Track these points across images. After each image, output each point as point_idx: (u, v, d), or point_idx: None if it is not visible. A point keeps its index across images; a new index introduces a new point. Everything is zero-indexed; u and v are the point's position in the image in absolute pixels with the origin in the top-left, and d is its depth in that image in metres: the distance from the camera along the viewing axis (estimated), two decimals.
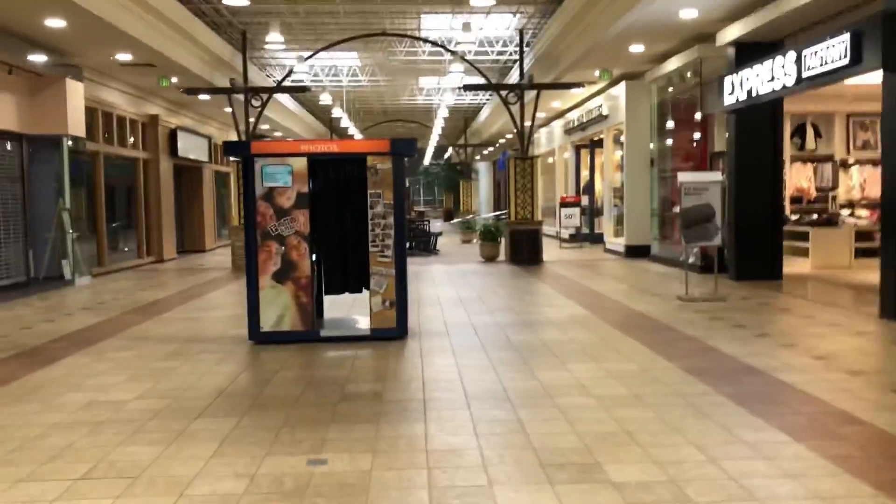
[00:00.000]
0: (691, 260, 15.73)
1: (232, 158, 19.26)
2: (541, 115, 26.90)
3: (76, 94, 14.70)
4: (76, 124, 14.72)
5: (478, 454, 4.42)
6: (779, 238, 13.36)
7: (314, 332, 8.01)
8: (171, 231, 20.54)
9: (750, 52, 12.55)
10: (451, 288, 12.89)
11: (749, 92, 12.01)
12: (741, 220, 13.29)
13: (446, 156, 52.14)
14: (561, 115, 26.11)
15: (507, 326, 8.86)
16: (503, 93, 17.84)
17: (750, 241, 13.26)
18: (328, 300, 9.12)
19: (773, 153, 13.28)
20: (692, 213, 10.92)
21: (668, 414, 5.19)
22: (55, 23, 12.10)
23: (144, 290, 13.38)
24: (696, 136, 16.26)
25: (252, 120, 17.85)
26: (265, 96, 17.69)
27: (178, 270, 17.30)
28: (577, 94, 21.79)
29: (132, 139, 18.70)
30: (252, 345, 7.99)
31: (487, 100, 29.96)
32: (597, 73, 18.17)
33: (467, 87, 18.15)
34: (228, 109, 18.05)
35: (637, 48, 15.50)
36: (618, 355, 7.18)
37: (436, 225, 31.97)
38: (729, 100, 12.81)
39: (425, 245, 21.45)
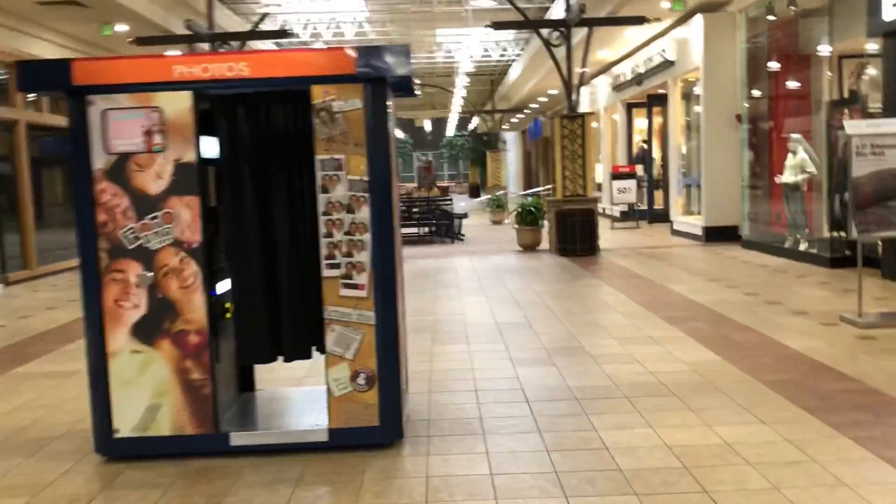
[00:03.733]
0: (803, 247, 11.60)
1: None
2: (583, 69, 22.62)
3: None
4: None
5: None
6: None
7: (218, 438, 4.07)
8: None
9: None
10: (481, 300, 8.90)
11: None
12: None
13: (471, 126, 47.85)
14: (606, 69, 21.81)
15: (592, 402, 4.85)
16: (545, 33, 13.69)
17: None
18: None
19: None
20: (870, 184, 6.78)
21: None
22: None
23: (55, 309, 9.57)
24: (801, 82, 12.15)
25: None
26: (237, 44, 13.71)
27: None
28: (632, 37, 17.53)
29: None
30: (101, 463, 4.10)
31: (518, 55, 25.65)
32: (666, 3, 13.93)
33: (498, 26, 13.98)
34: None
35: None
36: None
37: (460, 205, 28.12)
38: (892, 15, 8.60)
39: (447, 230, 17.45)
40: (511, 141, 47.47)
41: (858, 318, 6.78)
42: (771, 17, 12.52)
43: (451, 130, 47.94)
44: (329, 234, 3.96)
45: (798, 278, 9.69)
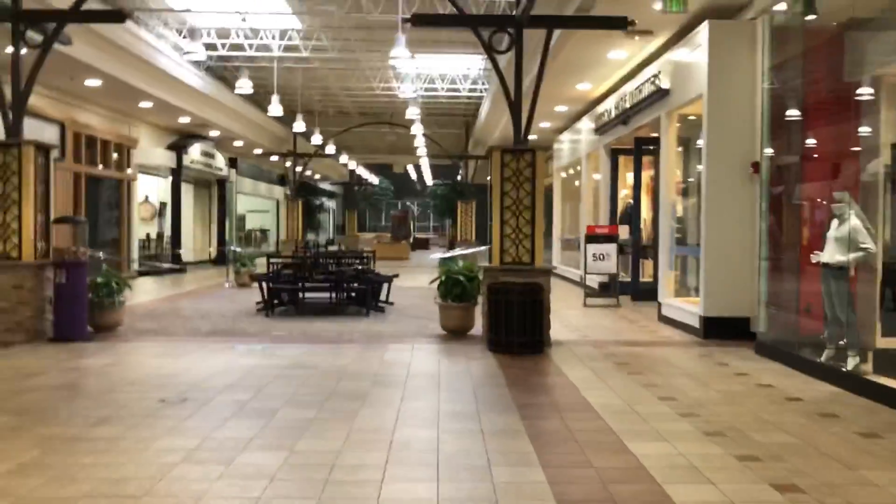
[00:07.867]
0: (851, 364, 7.43)
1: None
2: (560, 108, 18.74)
3: None
4: None
5: None
6: None
7: None
8: None
9: None
10: (259, 487, 4.63)
11: None
12: None
13: (459, 176, 43.98)
14: (590, 108, 17.86)
15: None
16: (485, 34, 9.67)
17: None
18: None
19: None
20: None
21: None
22: None
23: None
24: (850, 117, 8.22)
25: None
26: (52, 27, 9.63)
27: None
28: (621, 60, 13.59)
29: None
30: None
31: (486, 88, 21.73)
32: (658, 3, 9.97)
33: (419, 20, 9.93)
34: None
35: None
36: None
37: (431, 257, 24.02)
38: None
39: (361, 299, 13.16)
40: None
41: None
42: (809, 18, 8.51)
43: (429, 178, 44.02)
44: None
45: (863, 439, 5.44)
